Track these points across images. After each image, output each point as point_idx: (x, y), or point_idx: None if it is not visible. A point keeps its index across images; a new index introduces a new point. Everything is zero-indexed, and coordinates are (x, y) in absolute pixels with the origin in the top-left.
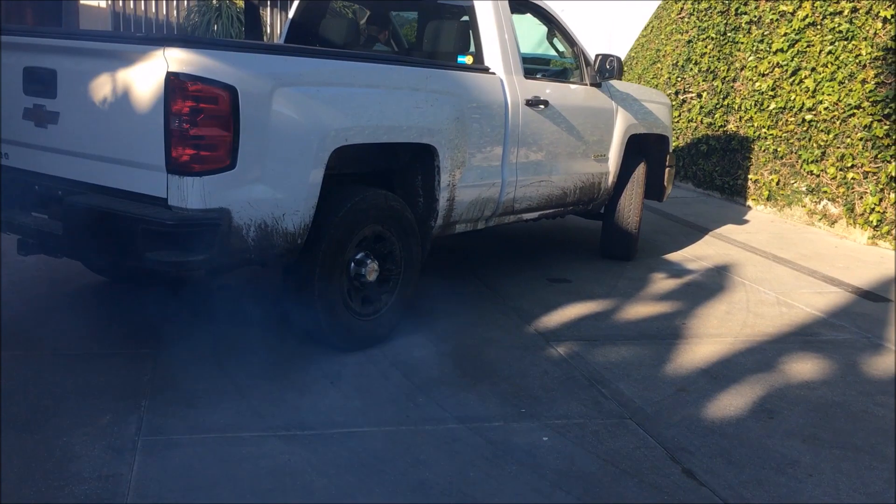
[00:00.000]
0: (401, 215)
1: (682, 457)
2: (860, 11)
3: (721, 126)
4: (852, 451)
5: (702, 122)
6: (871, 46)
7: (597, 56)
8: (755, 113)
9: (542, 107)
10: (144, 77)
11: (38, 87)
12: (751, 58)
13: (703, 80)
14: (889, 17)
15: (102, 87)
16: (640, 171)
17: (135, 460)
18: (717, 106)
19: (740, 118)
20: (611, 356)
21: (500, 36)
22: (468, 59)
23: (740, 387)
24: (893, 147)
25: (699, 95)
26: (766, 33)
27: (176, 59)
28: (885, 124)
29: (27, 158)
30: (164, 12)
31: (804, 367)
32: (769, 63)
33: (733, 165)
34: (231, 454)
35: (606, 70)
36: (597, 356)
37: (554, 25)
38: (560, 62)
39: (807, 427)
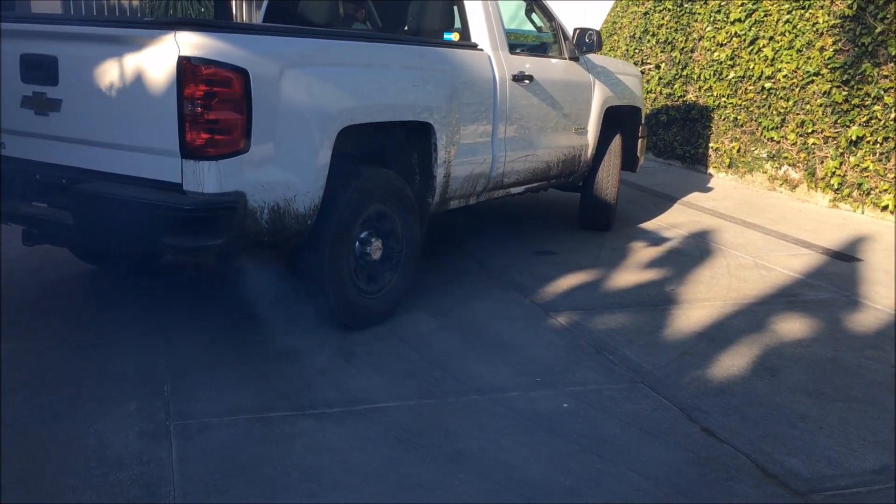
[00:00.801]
0: (402, 193)
1: (698, 416)
2: None
3: (680, 96)
4: (855, 403)
5: (661, 92)
6: (829, 15)
7: (575, 30)
8: (714, 82)
9: (527, 82)
10: (155, 62)
11: (37, 74)
12: (708, 28)
13: (661, 51)
14: None
15: (109, 73)
16: (616, 143)
17: (172, 444)
18: (676, 76)
19: (699, 88)
20: (611, 324)
21: (485, 12)
22: (454, 36)
23: (739, 348)
24: (852, 112)
25: (657, 66)
26: (723, 4)
27: (188, 42)
28: (844, 90)
29: (27, 147)
30: None
31: (793, 327)
32: (727, 33)
33: (693, 135)
34: (266, 434)
35: (586, 43)
36: (597, 324)
37: (534, 1)
38: (537, 37)
39: (808, 383)
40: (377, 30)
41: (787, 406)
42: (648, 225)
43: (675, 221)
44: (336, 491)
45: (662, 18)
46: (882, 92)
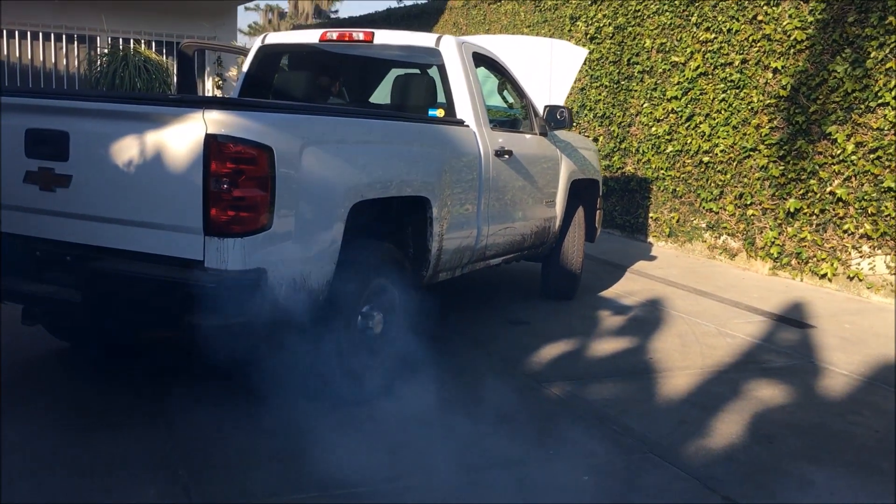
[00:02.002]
0: (402, 267)
1: (715, 485)
2: (750, 63)
3: (619, 168)
4: (855, 468)
5: (600, 164)
6: (763, 94)
7: (545, 107)
8: (652, 155)
9: (506, 157)
10: (180, 139)
11: (44, 149)
12: (645, 104)
13: (599, 125)
14: (779, 67)
15: (128, 149)
16: (580, 214)
17: None
18: (615, 149)
19: (638, 160)
20: (604, 393)
21: (469, 88)
22: (439, 112)
23: (730, 415)
24: (789, 185)
25: (595, 139)
26: (658, 82)
27: (215, 120)
28: (781, 165)
29: (28, 224)
30: (53, 61)
31: (773, 393)
32: (664, 109)
33: (633, 205)
34: None
35: (557, 120)
36: (591, 394)
37: (506, 78)
38: (508, 112)
39: (805, 449)
40: (350, 104)
41: (794, 472)
42: (607, 293)
43: (631, 289)
44: None
45: (599, 94)
46: (817, 167)
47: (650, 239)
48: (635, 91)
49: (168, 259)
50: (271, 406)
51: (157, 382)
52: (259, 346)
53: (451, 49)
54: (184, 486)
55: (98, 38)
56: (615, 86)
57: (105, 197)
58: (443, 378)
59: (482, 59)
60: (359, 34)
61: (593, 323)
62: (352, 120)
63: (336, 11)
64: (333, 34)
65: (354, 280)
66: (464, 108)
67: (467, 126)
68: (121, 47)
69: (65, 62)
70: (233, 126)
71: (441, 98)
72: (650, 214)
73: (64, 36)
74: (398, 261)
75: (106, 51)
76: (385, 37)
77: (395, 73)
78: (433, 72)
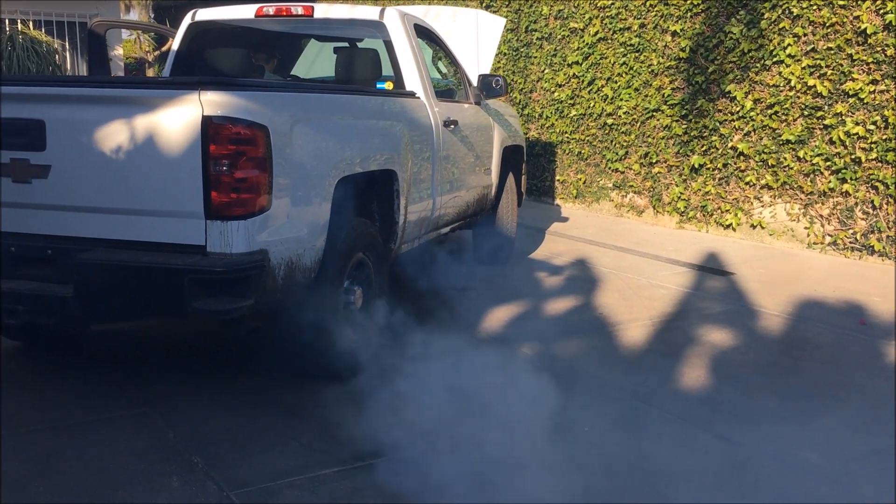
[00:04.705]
0: (377, 241)
1: (703, 425)
2: (648, 27)
3: (524, 134)
4: (818, 400)
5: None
6: (663, 57)
7: (480, 76)
8: (556, 120)
9: (453, 126)
10: (173, 122)
11: (16, 140)
12: (546, 70)
13: None
14: (678, 30)
15: (115, 135)
16: (511, 181)
17: None
18: (518, 116)
19: (542, 125)
20: (571, 350)
21: (415, 60)
22: (388, 85)
23: (691, 360)
24: (692, 142)
25: None
26: (558, 48)
27: (212, 101)
28: (683, 124)
29: (2, 219)
30: None
31: (722, 337)
32: (565, 74)
33: (539, 169)
34: (334, 492)
35: (493, 89)
36: (560, 351)
37: (441, 48)
38: (443, 83)
39: (768, 385)
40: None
41: (767, 406)
42: (536, 256)
43: (557, 251)
44: None
45: (498, 62)
46: (718, 124)
47: (557, 201)
48: (535, 57)
49: (165, 246)
50: (266, 387)
51: (134, 374)
52: (257, 328)
53: (395, 21)
54: (204, 472)
55: None
56: (514, 53)
57: (90, 186)
58: (421, 347)
59: (421, 31)
60: (297, 8)
61: (535, 285)
62: (329, 96)
63: None
64: (270, 9)
65: (339, 257)
66: (412, 80)
67: (418, 98)
68: (6, 29)
69: None
70: (230, 107)
71: (386, 71)
72: (556, 177)
73: None
74: (373, 235)
75: None
76: (325, 10)
77: (314, 45)
78: (367, 44)
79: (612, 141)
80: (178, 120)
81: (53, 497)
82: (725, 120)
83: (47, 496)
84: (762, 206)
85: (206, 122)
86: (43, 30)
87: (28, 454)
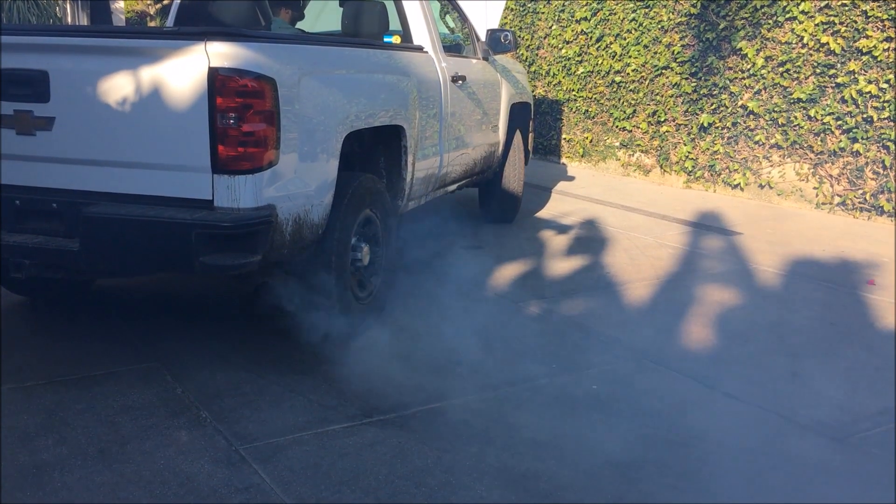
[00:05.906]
0: (384, 198)
1: (713, 384)
2: None
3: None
4: (827, 357)
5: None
6: (673, 13)
7: (488, 31)
8: (563, 77)
9: (461, 82)
10: (179, 74)
11: (19, 91)
12: (554, 26)
13: None
14: None
15: (120, 87)
16: (518, 139)
17: (256, 469)
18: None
19: (549, 83)
20: (579, 308)
21: (424, 14)
22: (395, 39)
23: (699, 319)
24: (701, 101)
25: None
26: (566, 4)
27: (218, 53)
28: (693, 81)
29: (5, 171)
30: None
31: (727, 296)
32: (573, 31)
33: (545, 127)
34: (342, 447)
35: (501, 44)
36: (568, 310)
37: (450, 2)
38: (451, 38)
39: (777, 344)
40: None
41: (778, 366)
42: (543, 215)
43: (565, 210)
44: (453, 489)
45: (505, 18)
46: (728, 82)
47: (563, 160)
48: (542, 13)
49: (172, 200)
50: (274, 343)
51: (140, 329)
52: (264, 283)
53: None
54: (213, 426)
55: None
56: (521, 9)
57: (95, 139)
58: (416, 308)
59: None
60: None
61: (542, 243)
62: (340, 49)
63: None
64: None
65: (347, 213)
66: (421, 35)
67: (426, 52)
68: None
69: None
70: (237, 58)
71: (394, 25)
72: (563, 136)
73: None
74: (381, 192)
75: None
76: None
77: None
78: None
79: (619, 99)
80: (184, 71)
81: (61, 449)
82: (736, 78)
83: (54, 448)
84: (771, 166)
85: (213, 73)
86: None
87: (34, 408)
